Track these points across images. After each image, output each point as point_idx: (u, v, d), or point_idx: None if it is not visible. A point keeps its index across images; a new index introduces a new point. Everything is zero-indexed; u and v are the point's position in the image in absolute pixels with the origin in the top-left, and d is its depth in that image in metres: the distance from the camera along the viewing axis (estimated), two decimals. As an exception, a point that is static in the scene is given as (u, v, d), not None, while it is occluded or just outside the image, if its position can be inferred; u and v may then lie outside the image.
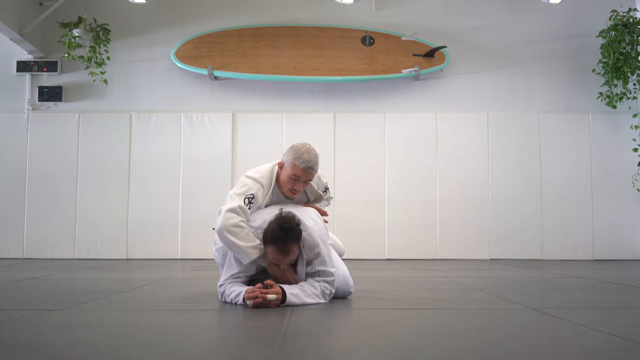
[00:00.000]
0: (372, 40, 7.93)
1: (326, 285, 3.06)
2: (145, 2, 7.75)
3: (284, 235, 2.88)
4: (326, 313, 2.82)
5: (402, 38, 7.82)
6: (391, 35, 7.94)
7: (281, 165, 3.31)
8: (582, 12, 8.12)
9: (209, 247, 7.58)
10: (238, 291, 2.97)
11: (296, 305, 2.89)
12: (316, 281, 3.06)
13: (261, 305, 2.81)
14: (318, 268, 3.04)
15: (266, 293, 2.82)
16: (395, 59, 7.87)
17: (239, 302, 2.93)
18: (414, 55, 7.87)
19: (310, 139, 7.73)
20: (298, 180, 3.24)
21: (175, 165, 7.84)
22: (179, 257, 7.68)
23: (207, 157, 7.84)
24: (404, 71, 7.78)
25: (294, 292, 2.92)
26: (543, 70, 8.09)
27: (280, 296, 2.85)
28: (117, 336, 2.21)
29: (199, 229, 7.65)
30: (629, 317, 2.76)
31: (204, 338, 2.19)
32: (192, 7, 8.19)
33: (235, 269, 3.11)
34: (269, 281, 2.89)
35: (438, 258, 7.69)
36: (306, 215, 3.17)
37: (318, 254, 3.04)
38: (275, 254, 2.93)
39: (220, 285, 3.13)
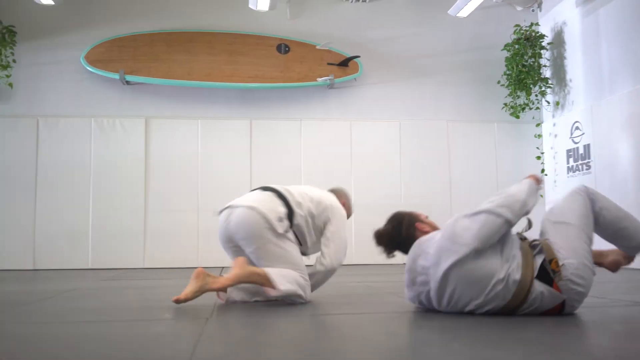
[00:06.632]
0: (287, 48, 7.99)
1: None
2: (54, 3, 7.46)
3: None
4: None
5: (317, 47, 7.93)
6: (306, 43, 8.03)
7: (343, 203, 3.95)
8: (488, 26, 8.48)
9: (121, 256, 7.46)
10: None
11: None
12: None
13: None
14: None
15: None
16: (310, 67, 7.96)
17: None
18: (328, 64, 7.99)
19: (226, 145, 7.81)
20: None
21: (86, 171, 7.60)
22: (89, 267, 7.44)
23: (119, 164, 7.64)
24: (319, 79, 7.88)
25: None
26: (451, 81, 8.40)
27: None
28: (22, 350, 2.13)
29: (110, 237, 7.46)
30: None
31: (118, 350, 2.13)
32: (103, 10, 7.98)
33: None
34: None
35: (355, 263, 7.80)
36: None
37: None
38: None
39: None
